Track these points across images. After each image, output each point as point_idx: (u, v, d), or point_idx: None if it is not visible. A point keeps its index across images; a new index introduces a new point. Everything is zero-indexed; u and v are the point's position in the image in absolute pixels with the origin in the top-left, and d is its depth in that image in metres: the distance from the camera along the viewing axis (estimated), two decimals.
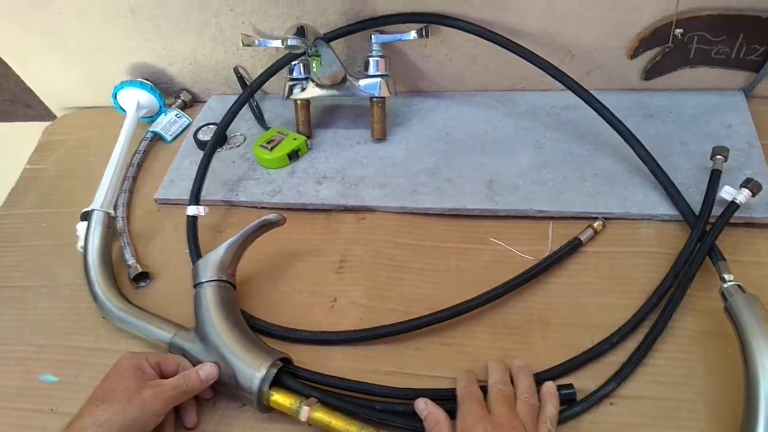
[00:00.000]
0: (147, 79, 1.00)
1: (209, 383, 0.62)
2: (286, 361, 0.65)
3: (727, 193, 0.68)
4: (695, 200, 0.72)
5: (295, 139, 0.88)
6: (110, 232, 0.81)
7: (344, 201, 0.82)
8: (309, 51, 0.76)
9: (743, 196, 0.67)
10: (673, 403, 0.60)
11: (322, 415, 0.58)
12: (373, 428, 0.56)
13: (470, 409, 0.56)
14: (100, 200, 0.83)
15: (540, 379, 0.61)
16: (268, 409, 0.62)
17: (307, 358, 0.68)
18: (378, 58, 0.84)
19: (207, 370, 0.62)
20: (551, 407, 0.58)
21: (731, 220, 0.68)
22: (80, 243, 0.80)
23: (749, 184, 0.67)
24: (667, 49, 0.79)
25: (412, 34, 0.82)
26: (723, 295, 0.61)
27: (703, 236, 0.67)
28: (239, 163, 0.90)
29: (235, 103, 0.86)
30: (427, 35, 0.82)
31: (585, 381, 0.62)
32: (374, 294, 0.73)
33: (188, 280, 0.72)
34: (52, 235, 0.89)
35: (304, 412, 0.58)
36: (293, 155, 0.88)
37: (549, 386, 0.60)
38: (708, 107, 0.84)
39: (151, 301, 0.77)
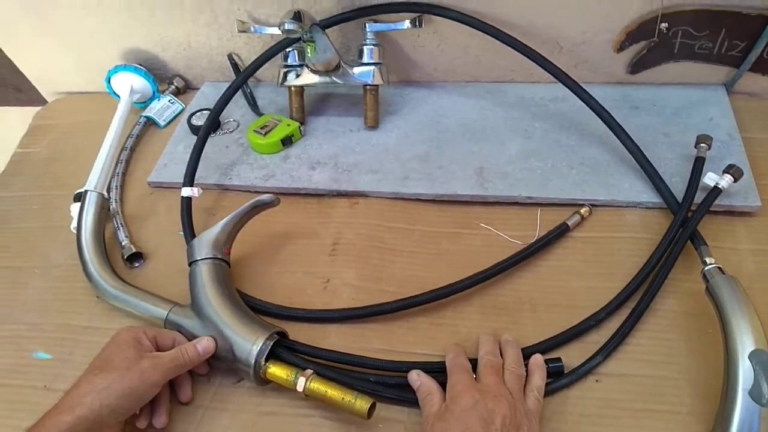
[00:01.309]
0: (140, 65, 1.00)
1: (206, 356, 0.63)
2: (282, 335, 0.66)
3: (710, 179, 0.71)
4: (678, 188, 0.74)
5: (288, 125, 0.89)
6: (103, 213, 0.81)
7: (337, 186, 0.83)
8: (304, 36, 0.77)
9: (726, 181, 0.69)
10: (656, 380, 0.62)
11: (318, 386, 0.59)
12: (368, 397, 0.57)
13: (459, 378, 0.58)
14: (93, 181, 0.83)
15: (527, 353, 0.63)
16: (264, 381, 0.63)
17: (301, 336, 0.69)
18: (372, 47, 0.85)
19: (204, 344, 0.63)
20: (538, 378, 0.60)
21: (712, 209, 0.70)
22: (73, 223, 0.80)
23: (731, 169, 0.70)
24: (652, 43, 0.82)
25: (406, 24, 0.84)
26: (704, 276, 0.63)
27: (685, 221, 0.70)
28: (233, 148, 0.91)
29: (229, 87, 0.87)
30: (420, 25, 0.83)
31: (571, 359, 0.64)
32: (366, 275, 0.75)
33: (181, 261, 0.72)
34: (43, 217, 0.89)
35: (301, 383, 0.59)
36: (287, 141, 0.89)
37: (537, 358, 0.62)
38: (691, 101, 0.86)
39: (144, 282, 0.77)
